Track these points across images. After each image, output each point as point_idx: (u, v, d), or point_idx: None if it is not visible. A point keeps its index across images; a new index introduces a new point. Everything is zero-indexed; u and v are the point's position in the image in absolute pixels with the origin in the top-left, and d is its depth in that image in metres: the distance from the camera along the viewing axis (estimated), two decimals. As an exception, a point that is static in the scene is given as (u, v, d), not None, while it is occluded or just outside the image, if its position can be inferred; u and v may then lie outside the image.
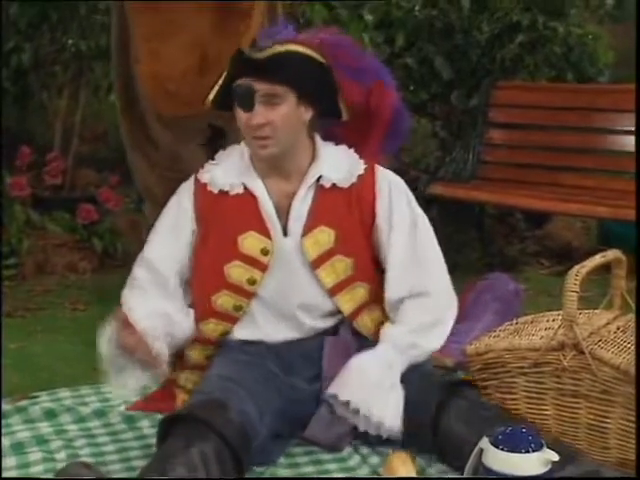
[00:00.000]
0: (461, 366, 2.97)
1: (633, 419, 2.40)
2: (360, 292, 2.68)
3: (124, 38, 3.48)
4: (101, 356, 2.47)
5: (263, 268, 2.64)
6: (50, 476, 2.47)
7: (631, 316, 2.67)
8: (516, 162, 4.80)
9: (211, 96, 2.66)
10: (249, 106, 2.53)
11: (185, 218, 2.69)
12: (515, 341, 2.60)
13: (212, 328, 2.69)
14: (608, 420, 2.47)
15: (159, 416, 2.58)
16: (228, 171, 2.68)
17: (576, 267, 2.48)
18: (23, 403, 2.92)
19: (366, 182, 2.68)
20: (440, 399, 2.52)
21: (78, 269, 4.48)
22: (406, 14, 5.34)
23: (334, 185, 2.65)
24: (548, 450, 2.23)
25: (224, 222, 2.65)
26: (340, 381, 2.56)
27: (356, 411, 2.53)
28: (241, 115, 2.57)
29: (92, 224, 4.57)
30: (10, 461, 2.57)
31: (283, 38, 2.58)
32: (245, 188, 2.66)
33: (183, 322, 2.65)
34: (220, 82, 2.64)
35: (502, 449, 2.22)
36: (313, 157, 2.67)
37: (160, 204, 2.81)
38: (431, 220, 2.76)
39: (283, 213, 2.65)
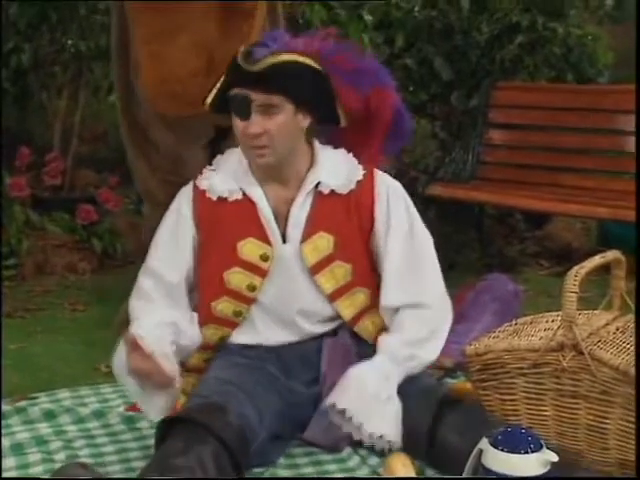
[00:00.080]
0: (460, 367, 2.98)
1: (632, 420, 2.40)
2: (360, 297, 2.68)
3: (124, 39, 3.47)
4: (126, 389, 2.47)
5: (263, 274, 2.63)
6: (49, 477, 2.46)
7: (630, 317, 2.67)
8: (516, 163, 4.80)
9: (209, 100, 2.64)
10: (246, 115, 2.52)
11: (185, 225, 2.67)
12: (514, 342, 2.60)
13: (212, 333, 2.68)
14: (607, 421, 2.47)
15: (158, 417, 2.58)
16: (226, 177, 2.66)
17: (575, 268, 2.47)
18: (22, 404, 2.92)
19: (365, 187, 2.67)
20: (436, 411, 2.50)
21: (78, 269, 4.47)
22: (405, 15, 5.34)
23: (332, 191, 2.65)
24: (547, 451, 2.23)
25: (223, 229, 2.64)
26: (338, 389, 2.55)
27: (351, 420, 2.51)
28: (238, 123, 2.55)
29: (92, 225, 4.56)
30: (10, 462, 2.57)
31: (278, 48, 2.54)
32: (244, 194, 2.65)
33: (189, 330, 2.63)
34: (218, 86, 2.62)
35: (501, 450, 2.21)
36: (311, 163, 2.66)
37: (161, 207, 2.81)
38: (430, 220, 2.75)
39: (282, 219, 2.64)
